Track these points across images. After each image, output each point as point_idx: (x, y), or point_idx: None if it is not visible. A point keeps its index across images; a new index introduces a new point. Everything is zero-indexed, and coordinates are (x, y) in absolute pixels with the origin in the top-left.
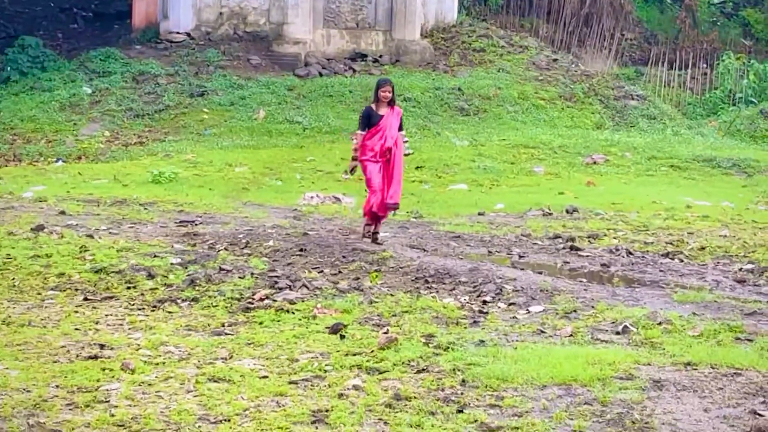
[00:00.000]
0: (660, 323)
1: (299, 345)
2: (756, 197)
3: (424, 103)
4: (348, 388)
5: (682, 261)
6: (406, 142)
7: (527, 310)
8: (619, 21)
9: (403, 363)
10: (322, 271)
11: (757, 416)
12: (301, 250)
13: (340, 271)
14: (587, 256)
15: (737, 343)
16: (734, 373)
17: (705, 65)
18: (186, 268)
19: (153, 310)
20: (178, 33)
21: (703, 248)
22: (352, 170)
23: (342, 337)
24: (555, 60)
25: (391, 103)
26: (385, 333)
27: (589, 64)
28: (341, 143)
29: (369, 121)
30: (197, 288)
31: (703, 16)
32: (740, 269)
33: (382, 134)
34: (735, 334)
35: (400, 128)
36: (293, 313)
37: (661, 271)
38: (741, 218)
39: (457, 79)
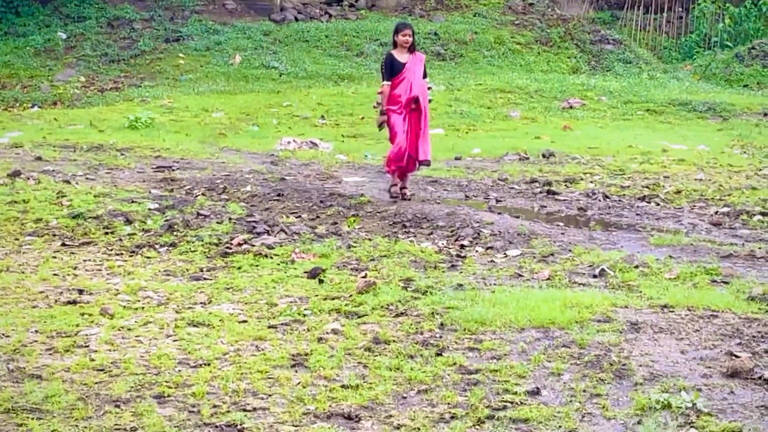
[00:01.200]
0: (637, 266)
1: (278, 289)
2: (731, 141)
3: None
4: (327, 332)
5: (658, 204)
6: (430, 89)
7: (505, 254)
8: None
9: (381, 307)
10: (299, 216)
11: (734, 357)
12: (278, 195)
13: (317, 216)
14: (564, 200)
15: (713, 285)
16: (710, 315)
17: (681, 9)
18: (164, 213)
19: (131, 256)
20: None
21: (679, 192)
22: (381, 125)
23: (320, 281)
24: (531, 4)
25: (411, 49)
26: (363, 277)
27: (565, 8)
28: (318, 88)
29: (391, 68)
30: (175, 233)
31: None
32: (716, 212)
33: (407, 83)
34: (711, 276)
35: (424, 75)
36: (271, 257)
37: (637, 214)
38: (716, 162)
39: (434, 24)
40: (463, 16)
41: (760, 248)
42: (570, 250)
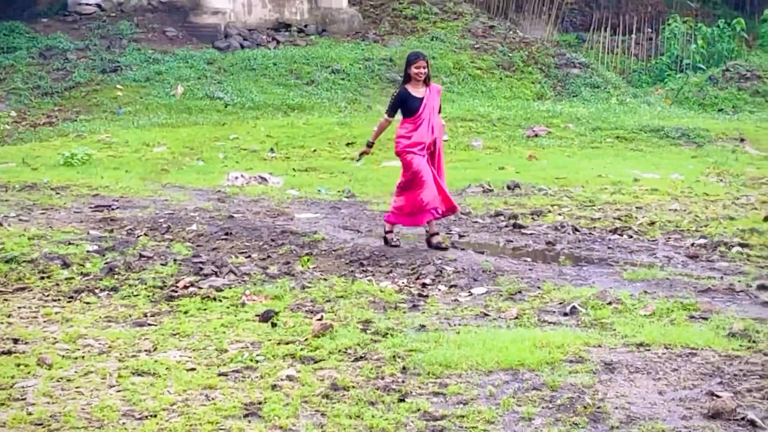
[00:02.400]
0: (610, 303)
1: (228, 334)
2: (707, 168)
3: (354, 75)
4: (281, 379)
5: (631, 237)
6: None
7: (469, 292)
8: None
9: (339, 351)
10: (249, 256)
11: (715, 397)
12: (226, 233)
13: (269, 256)
14: (531, 233)
15: (691, 321)
16: (689, 353)
17: (650, 30)
18: (103, 255)
19: (69, 301)
20: (87, 4)
21: (652, 223)
22: (361, 156)
23: (273, 325)
24: (492, 27)
25: (426, 81)
26: (319, 320)
27: (528, 31)
28: (266, 119)
29: (405, 106)
30: (116, 276)
31: None
32: (692, 244)
33: (427, 123)
34: (689, 312)
35: (439, 110)
36: (220, 300)
37: (609, 248)
38: (692, 191)
39: (388, 49)
40: (420, 40)
41: (739, 281)
42: (539, 287)
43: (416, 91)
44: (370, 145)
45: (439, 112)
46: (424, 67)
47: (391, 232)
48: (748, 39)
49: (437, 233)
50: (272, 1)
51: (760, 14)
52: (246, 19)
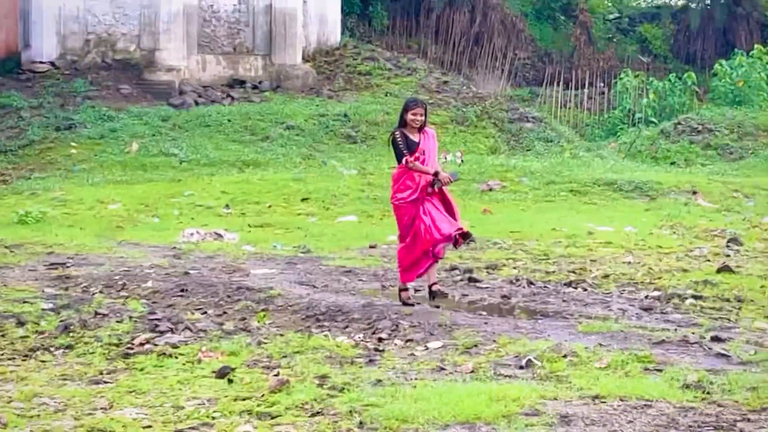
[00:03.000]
0: (565, 355)
1: (184, 391)
2: (660, 221)
3: (309, 130)
4: None
5: (585, 290)
6: (461, 164)
7: (425, 346)
8: (511, 40)
9: (296, 406)
10: (205, 312)
11: None
12: (182, 290)
13: (225, 312)
14: (486, 287)
15: (646, 373)
16: (644, 405)
17: (602, 84)
18: (59, 313)
19: (24, 360)
20: (41, 62)
21: (607, 276)
22: (442, 182)
23: (230, 381)
24: (445, 82)
25: (421, 128)
26: (275, 375)
27: (481, 86)
28: (221, 175)
29: (406, 146)
30: (72, 334)
31: (599, 33)
32: (646, 297)
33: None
34: (643, 364)
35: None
36: (176, 357)
37: (564, 301)
38: (645, 243)
39: (343, 105)
40: (374, 96)
41: (693, 333)
42: (494, 341)
43: (412, 135)
44: (436, 173)
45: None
46: (421, 114)
47: (406, 289)
48: (699, 93)
49: (435, 282)
50: (226, 58)
51: (711, 68)
52: (200, 76)
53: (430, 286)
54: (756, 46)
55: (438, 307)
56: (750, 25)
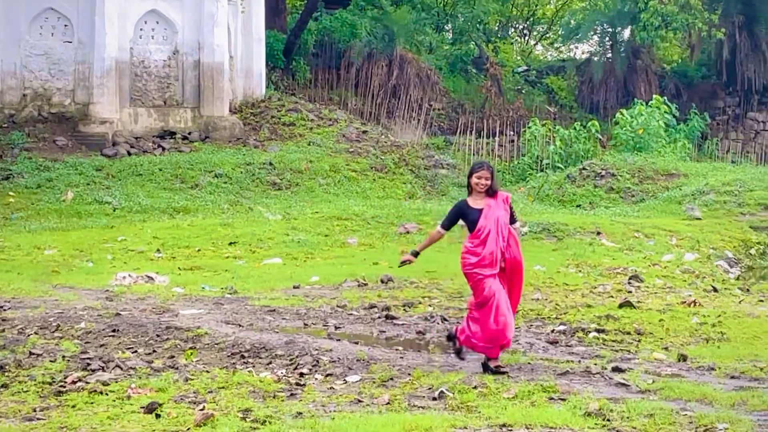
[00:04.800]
0: (475, 387)
1: (114, 426)
2: (566, 260)
3: (236, 178)
4: None
5: None
6: (524, 235)
7: (344, 380)
8: (426, 92)
9: None
10: (136, 351)
11: None
12: (114, 330)
13: (154, 350)
14: (403, 324)
15: (551, 402)
16: None
17: (512, 132)
18: None
19: None
20: None
21: (516, 312)
22: (402, 264)
23: (157, 416)
24: (365, 132)
25: (491, 192)
26: (201, 410)
27: (399, 135)
28: (153, 221)
29: (466, 220)
30: (6, 374)
31: (508, 85)
32: (552, 330)
33: (495, 236)
34: (548, 394)
35: (513, 220)
36: (107, 394)
37: None
38: (552, 281)
39: (268, 154)
40: (298, 145)
41: (596, 364)
42: (409, 374)
43: (476, 202)
44: (415, 254)
45: (513, 221)
46: (486, 178)
47: (460, 352)
48: (603, 140)
49: (499, 365)
50: (157, 111)
51: (613, 117)
52: (132, 127)
53: (496, 366)
54: (654, 96)
55: (357, 342)
56: (648, 76)
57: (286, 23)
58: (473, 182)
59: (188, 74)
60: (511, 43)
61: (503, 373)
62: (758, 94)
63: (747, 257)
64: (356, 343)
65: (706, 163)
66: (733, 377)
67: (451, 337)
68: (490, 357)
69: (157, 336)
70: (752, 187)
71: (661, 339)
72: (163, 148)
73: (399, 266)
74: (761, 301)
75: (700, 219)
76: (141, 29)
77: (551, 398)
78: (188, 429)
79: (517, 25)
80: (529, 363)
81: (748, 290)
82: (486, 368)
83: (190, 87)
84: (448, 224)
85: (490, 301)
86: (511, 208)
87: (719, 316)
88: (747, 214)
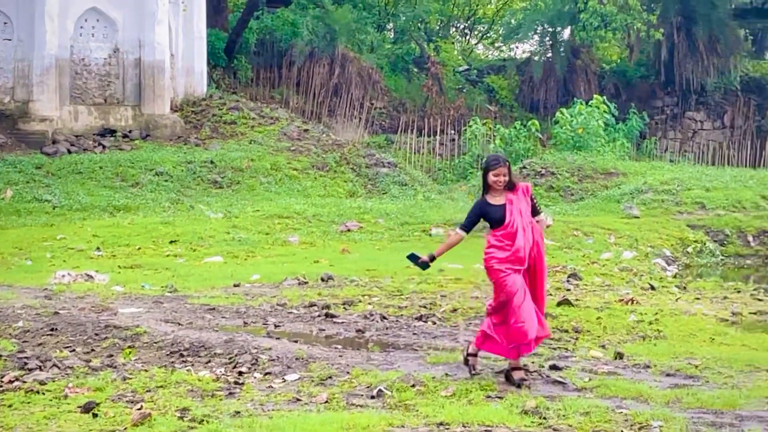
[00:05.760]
0: (413, 385)
1: (50, 426)
2: None
3: (177, 176)
4: None
5: (434, 323)
6: (548, 226)
7: (283, 378)
8: (368, 90)
9: None
10: (74, 350)
11: None
12: (52, 329)
13: (92, 349)
14: (342, 322)
15: (488, 400)
16: (485, 430)
17: (453, 131)
18: None
19: None
20: None
21: (455, 310)
22: (419, 265)
23: (94, 415)
24: (306, 130)
25: (509, 186)
26: (138, 409)
27: (340, 134)
28: (93, 219)
29: (488, 218)
30: None
31: (449, 84)
32: None
33: (522, 232)
34: (486, 392)
35: (535, 211)
36: (44, 393)
37: (414, 334)
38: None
39: (209, 152)
40: (239, 143)
41: (533, 362)
42: (348, 372)
43: (495, 199)
44: (432, 258)
45: (536, 213)
46: (504, 174)
47: (475, 355)
48: (543, 139)
49: (521, 367)
50: (98, 109)
51: (553, 116)
52: (73, 125)
53: (512, 369)
54: (594, 95)
55: (297, 341)
56: (588, 76)
57: (228, 22)
58: (491, 180)
59: (129, 72)
60: (452, 43)
61: (526, 386)
62: (696, 94)
63: (684, 255)
64: (296, 341)
65: (644, 162)
66: (668, 375)
67: (467, 361)
68: (512, 359)
69: (96, 335)
70: (690, 185)
71: (599, 337)
72: (104, 146)
73: (416, 264)
74: (697, 299)
75: (638, 217)
76: (81, 27)
77: (489, 396)
78: (125, 428)
79: (458, 25)
80: None
81: (684, 288)
82: (509, 379)
83: (130, 85)
84: (469, 226)
85: (512, 299)
86: (532, 199)
87: (656, 314)
88: (684, 212)
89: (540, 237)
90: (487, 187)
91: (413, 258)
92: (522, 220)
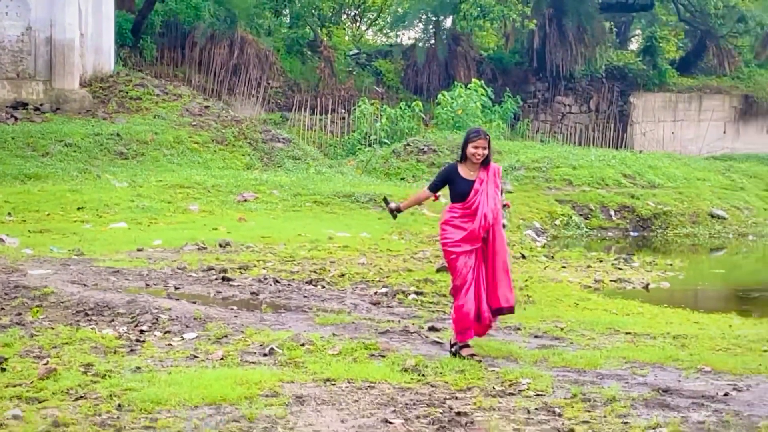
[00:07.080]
0: (303, 344)
1: None
2: (390, 228)
3: (85, 147)
4: (8, 418)
5: (324, 287)
6: (507, 208)
7: (182, 337)
8: (265, 71)
9: (62, 392)
10: None
11: (389, 424)
12: None
13: (2, 308)
14: (238, 285)
15: (372, 359)
16: (368, 386)
17: (343, 110)
18: None
19: None
20: None
21: (343, 275)
22: (391, 210)
23: (3, 369)
24: (207, 107)
25: (484, 163)
26: (45, 364)
27: (239, 110)
28: (4, 187)
29: (453, 188)
30: None
31: (341, 66)
32: (376, 293)
33: (482, 212)
34: (370, 351)
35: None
36: None
37: (305, 297)
38: (377, 247)
39: (116, 126)
40: (144, 118)
41: (413, 324)
42: (242, 332)
43: (468, 173)
44: (398, 209)
45: (502, 193)
46: (484, 147)
47: (467, 346)
48: (425, 119)
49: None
50: (11, 83)
51: (435, 98)
52: None
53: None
54: (473, 79)
55: (195, 302)
56: (467, 62)
57: (134, 4)
58: (470, 152)
59: (40, 49)
60: (344, 29)
61: (477, 360)
62: (565, 80)
63: (552, 227)
64: (194, 302)
65: (517, 142)
66: (536, 336)
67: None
68: (461, 341)
69: (6, 294)
70: (558, 164)
71: None
72: (16, 118)
73: (386, 208)
74: (564, 267)
75: (511, 192)
76: None
77: (372, 355)
78: (32, 382)
79: (349, 12)
80: (353, 322)
81: (552, 257)
82: (454, 354)
83: (42, 61)
84: (435, 188)
85: (459, 279)
86: (499, 183)
87: (526, 280)
88: (553, 188)
89: (497, 215)
90: (463, 157)
91: (386, 201)
92: (485, 200)
